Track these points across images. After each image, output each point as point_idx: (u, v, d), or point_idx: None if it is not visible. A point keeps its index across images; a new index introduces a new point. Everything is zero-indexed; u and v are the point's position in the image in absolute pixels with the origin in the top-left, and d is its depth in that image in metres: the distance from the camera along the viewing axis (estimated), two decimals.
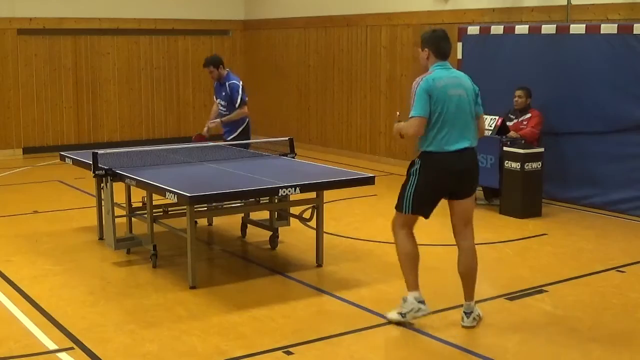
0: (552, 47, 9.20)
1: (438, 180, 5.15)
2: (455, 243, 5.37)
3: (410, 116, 5.10)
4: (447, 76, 5.14)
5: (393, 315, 5.36)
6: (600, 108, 8.78)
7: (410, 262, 5.25)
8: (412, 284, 5.27)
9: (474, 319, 5.35)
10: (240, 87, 8.41)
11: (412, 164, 5.24)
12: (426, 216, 5.29)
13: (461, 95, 5.11)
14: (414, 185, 5.16)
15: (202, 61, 14.50)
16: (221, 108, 8.54)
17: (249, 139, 8.59)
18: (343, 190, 7.16)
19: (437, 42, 5.18)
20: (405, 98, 11.60)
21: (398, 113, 5.56)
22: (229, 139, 8.42)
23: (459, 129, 5.10)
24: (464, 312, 5.36)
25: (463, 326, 5.33)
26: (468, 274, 5.32)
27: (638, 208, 8.51)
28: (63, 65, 13.49)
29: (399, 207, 5.27)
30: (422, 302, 5.29)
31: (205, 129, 8.62)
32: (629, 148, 8.58)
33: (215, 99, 8.74)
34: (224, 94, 8.45)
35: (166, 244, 7.16)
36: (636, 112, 8.47)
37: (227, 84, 8.43)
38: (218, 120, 8.52)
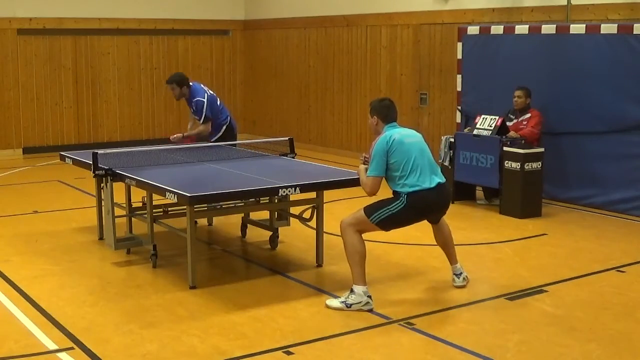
0: (552, 47, 9.20)
1: (418, 215, 5.76)
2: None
3: (367, 175, 5.71)
4: (400, 131, 5.77)
5: (335, 303, 5.64)
6: (600, 108, 8.78)
7: (361, 260, 5.63)
8: (363, 279, 5.63)
9: (464, 278, 6.09)
10: (205, 103, 8.12)
11: (398, 194, 5.63)
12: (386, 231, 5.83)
13: (418, 142, 5.79)
14: (394, 211, 5.61)
15: (202, 61, 14.78)
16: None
17: (235, 137, 8.54)
18: (343, 190, 7.15)
19: (385, 110, 5.87)
20: (404, 98, 11.62)
21: (364, 155, 6.06)
22: (212, 140, 8.29)
23: (428, 168, 5.71)
24: (454, 274, 6.10)
25: (455, 286, 6.06)
26: (447, 243, 6.05)
27: (638, 208, 8.51)
28: (63, 65, 13.49)
29: (368, 213, 5.64)
30: (369, 296, 5.61)
31: (172, 137, 8.39)
32: (629, 148, 8.58)
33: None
34: (192, 111, 8.28)
35: (166, 244, 7.15)
36: (636, 112, 8.47)
37: (192, 101, 8.19)
38: (180, 135, 8.31)
